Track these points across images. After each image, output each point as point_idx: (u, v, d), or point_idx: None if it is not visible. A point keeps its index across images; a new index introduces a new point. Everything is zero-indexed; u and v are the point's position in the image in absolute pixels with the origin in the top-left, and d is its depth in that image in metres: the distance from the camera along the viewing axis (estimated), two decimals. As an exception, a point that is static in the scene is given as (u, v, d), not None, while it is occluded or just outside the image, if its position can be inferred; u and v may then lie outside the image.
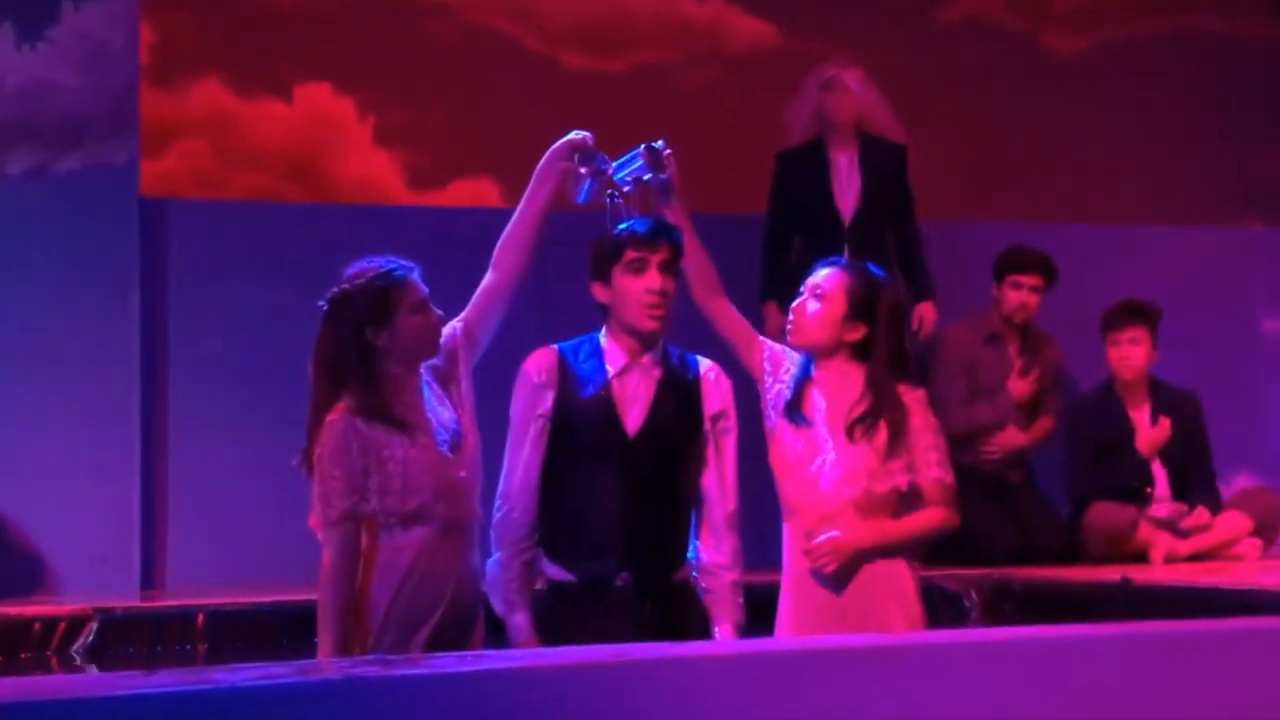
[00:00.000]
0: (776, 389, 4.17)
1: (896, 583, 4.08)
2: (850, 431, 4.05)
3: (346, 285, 3.96)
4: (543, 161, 4.20)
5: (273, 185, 7.01)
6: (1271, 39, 8.33)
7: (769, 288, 6.44)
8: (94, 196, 6.09)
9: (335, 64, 7.09)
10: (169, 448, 6.17)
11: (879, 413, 4.05)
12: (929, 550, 6.30)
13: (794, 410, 4.12)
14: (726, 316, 4.24)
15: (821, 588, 4.06)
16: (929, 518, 4.09)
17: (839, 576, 4.04)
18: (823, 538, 4.03)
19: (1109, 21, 8.06)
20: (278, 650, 5.00)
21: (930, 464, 4.07)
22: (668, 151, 4.17)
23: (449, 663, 3.06)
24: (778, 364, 4.21)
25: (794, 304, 4.17)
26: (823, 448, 4.08)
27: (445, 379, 4.08)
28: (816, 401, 4.12)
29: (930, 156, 6.79)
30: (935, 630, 4.48)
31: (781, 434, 4.13)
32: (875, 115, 6.65)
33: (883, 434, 4.05)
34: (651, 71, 7.49)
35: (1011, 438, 6.69)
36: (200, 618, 5.26)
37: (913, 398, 4.11)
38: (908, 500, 4.09)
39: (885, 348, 4.09)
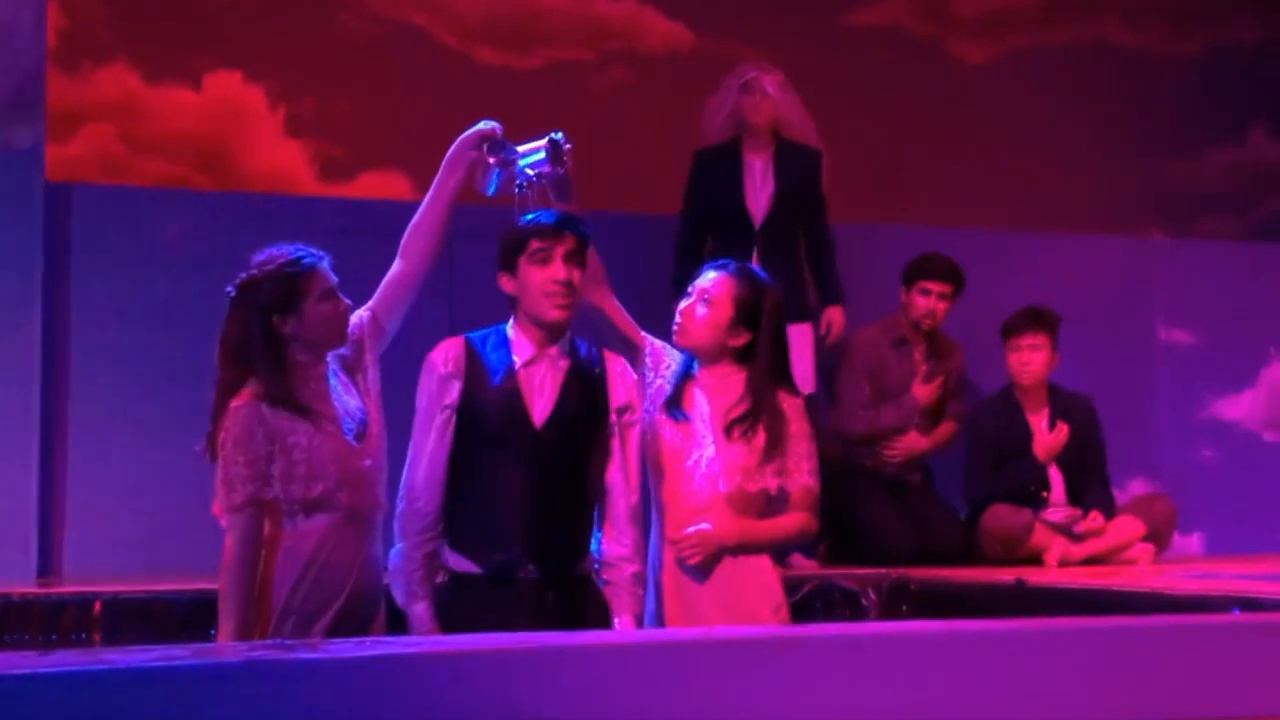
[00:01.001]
0: (657, 384, 4.24)
1: (762, 578, 4.19)
2: (729, 430, 4.13)
3: (255, 272, 3.95)
4: (451, 150, 4.18)
5: (180, 173, 6.96)
6: (1176, 51, 8.47)
7: (682, 286, 6.45)
8: (-3, 181, 6.00)
9: (246, 52, 7.04)
10: (69, 434, 6.09)
11: (758, 416, 4.13)
12: (832, 550, 6.40)
13: (673, 405, 4.19)
14: (612, 312, 4.28)
15: (687, 579, 4.15)
16: (793, 521, 4.20)
17: (702, 569, 4.13)
18: (691, 529, 4.10)
19: (1014, 31, 8.18)
20: (175, 639, 4.96)
21: (802, 471, 4.17)
22: (568, 146, 4.18)
23: (348, 648, 3.06)
24: (659, 361, 4.28)
25: (682, 306, 4.23)
26: (701, 443, 4.16)
27: (352, 368, 4.07)
28: (698, 401, 4.20)
29: (839, 160, 6.84)
30: (829, 624, 4.55)
31: (660, 429, 4.20)
32: (792, 120, 6.66)
33: (761, 437, 4.13)
34: (565, 70, 7.51)
35: (914, 442, 6.73)
36: (97, 605, 5.21)
37: (791, 405, 4.19)
38: (773, 503, 4.18)
39: (767, 354, 4.18)
